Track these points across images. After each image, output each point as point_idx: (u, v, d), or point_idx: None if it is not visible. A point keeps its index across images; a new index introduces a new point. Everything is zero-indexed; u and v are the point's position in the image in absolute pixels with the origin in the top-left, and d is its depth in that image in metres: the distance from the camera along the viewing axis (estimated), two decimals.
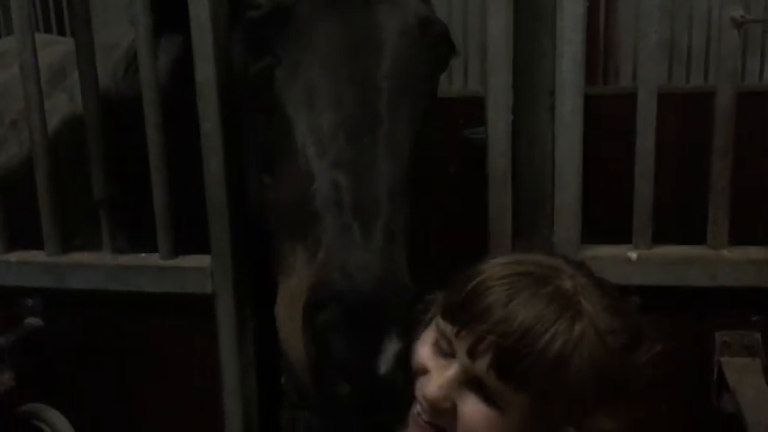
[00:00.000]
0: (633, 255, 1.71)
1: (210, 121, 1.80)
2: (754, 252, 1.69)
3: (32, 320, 1.98)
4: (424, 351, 1.31)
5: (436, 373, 1.28)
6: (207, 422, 1.93)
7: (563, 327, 1.19)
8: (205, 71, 1.79)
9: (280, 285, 1.54)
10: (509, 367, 1.20)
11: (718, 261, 1.67)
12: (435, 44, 1.82)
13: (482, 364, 1.22)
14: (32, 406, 1.97)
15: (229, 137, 1.82)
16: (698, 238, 1.74)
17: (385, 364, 1.31)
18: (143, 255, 1.95)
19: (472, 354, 1.23)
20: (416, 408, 1.30)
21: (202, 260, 1.88)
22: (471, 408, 1.23)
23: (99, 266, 1.94)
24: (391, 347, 1.32)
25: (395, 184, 1.51)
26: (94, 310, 1.98)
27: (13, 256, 2.03)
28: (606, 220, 1.76)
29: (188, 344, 1.93)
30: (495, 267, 1.29)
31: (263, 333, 1.91)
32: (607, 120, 2.59)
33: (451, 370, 1.26)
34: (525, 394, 1.20)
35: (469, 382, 1.24)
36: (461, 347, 1.24)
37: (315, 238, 1.45)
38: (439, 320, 1.31)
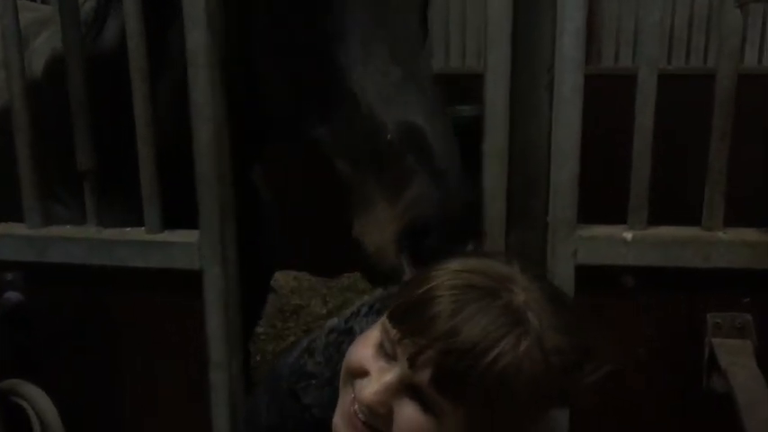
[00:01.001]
0: (628, 235, 1.70)
1: (201, 90, 1.75)
2: (748, 234, 1.69)
3: (12, 295, 1.93)
4: (366, 352, 1.27)
5: (375, 376, 1.23)
6: (193, 398, 1.90)
7: (508, 345, 1.15)
8: (196, 38, 1.73)
9: (359, 213, 1.73)
10: (449, 383, 1.16)
11: (712, 242, 1.67)
12: None
13: (422, 376, 1.18)
14: (9, 382, 1.93)
15: (221, 106, 1.78)
16: (673, 221, 1.74)
17: None
18: (128, 229, 1.90)
19: (412, 364, 1.18)
20: (354, 406, 1.26)
21: (190, 235, 1.84)
22: (408, 414, 1.20)
23: (82, 240, 1.89)
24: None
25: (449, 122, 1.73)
26: (77, 284, 1.93)
27: None
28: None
29: (175, 320, 1.89)
30: (446, 275, 1.23)
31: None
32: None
33: (390, 375, 1.21)
34: (464, 408, 1.17)
35: (408, 388, 1.21)
36: (402, 354, 1.20)
37: (395, 175, 1.66)
38: (385, 321, 1.25)
